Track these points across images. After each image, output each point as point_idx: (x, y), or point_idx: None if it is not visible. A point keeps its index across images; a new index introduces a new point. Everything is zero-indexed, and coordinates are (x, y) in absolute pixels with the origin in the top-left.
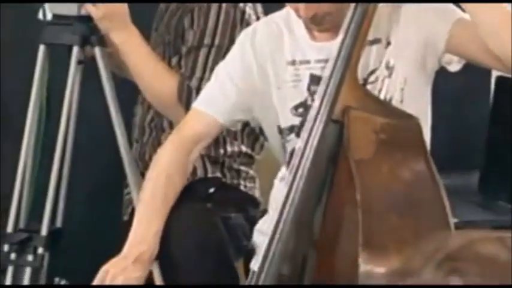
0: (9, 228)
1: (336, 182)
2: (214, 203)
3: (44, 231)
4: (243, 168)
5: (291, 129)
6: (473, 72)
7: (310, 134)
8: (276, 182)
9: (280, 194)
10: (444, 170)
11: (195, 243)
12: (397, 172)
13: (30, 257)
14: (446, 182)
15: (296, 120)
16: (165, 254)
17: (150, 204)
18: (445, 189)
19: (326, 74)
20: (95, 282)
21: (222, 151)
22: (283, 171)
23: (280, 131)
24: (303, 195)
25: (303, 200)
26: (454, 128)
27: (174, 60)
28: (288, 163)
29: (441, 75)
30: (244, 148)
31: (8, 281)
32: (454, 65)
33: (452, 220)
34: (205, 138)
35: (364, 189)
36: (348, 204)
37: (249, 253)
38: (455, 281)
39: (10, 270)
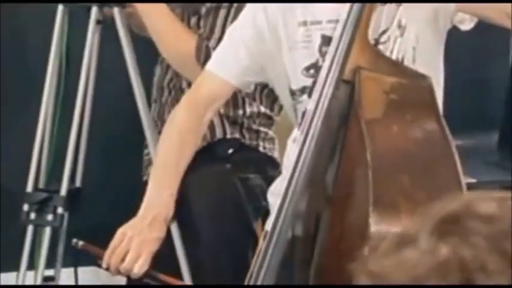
0: (29, 188)
1: (347, 142)
2: (233, 163)
3: (63, 191)
4: (262, 129)
5: (303, 90)
6: (493, 31)
7: (320, 95)
8: (289, 143)
9: (292, 154)
10: (463, 130)
11: (214, 203)
12: (409, 132)
13: (49, 217)
14: (465, 143)
15: (307, 82)
16: (183, 215)
17: (164, 165)
18: (463, 149)
19: (336, 34)
20: (112, 244)
21: (241, 112)
22: (295, 132)
23: (292, 92)
24: (314, 156)
25: (314, 160)
26: (474, 88)
27: (193, 21)
28: (300, 124)
29: (460, 35)
30: (263, 109)
31: (28, 241)
32: (466, 24)
33: (464, 180)
34: (219, 100)
35: (375, 150)
36: (359, 165)
37: (267, 214)
38: (444, 248)
39: (30, 229)
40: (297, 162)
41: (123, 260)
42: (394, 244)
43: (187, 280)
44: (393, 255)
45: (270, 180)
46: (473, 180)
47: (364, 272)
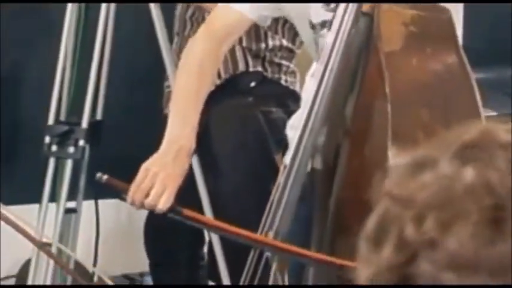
0: (50, 121)
1: (366, 75)
2: (255, 97)
3: (84, 123)
4: (284, 62)
5: (323, 24)
6: None
7: (340, 28)
8: (307, 77)
9: (310, 88)
10: (484, 63)
11: (236, 136)
12: (428, 65)
13: (71, 149)
14: (486, 76)
15: (328, 15)
16: (205, 148)
17: (185, 97)
18: (484, 82)
19: None
20: (136, 180)
21: (263, 45)
22: (314, 66)
23: (312, 26)
24: (333, 88)
25: (333, 93)
26: (494, 22)
27: None
28: (319, 58)
29: None
30: (285, 42)
31: (50, 173)
32: None
33: (485, 113)
34: (235, 33)
35: (394, 82)
36: (378, 98)
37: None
38: (469, 171)
39: (52, 162)
40: (315, 95)
41: (147, 195)
42: (413, 168)
43: (209, 214)
44: (414, 179)
45: (291, 114)
46: (494, 113)
47: (387, 196)
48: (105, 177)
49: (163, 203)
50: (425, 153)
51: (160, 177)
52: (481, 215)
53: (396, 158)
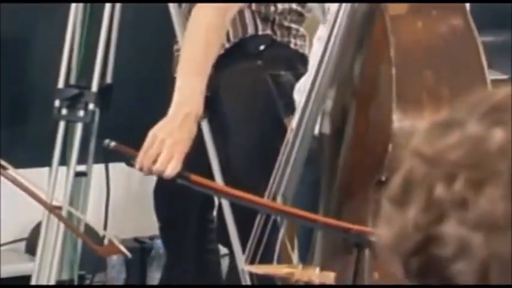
0: (60, 84)
1: (372, 39)
2: (264, 60)
3: (94, 87)
4: (293, 25)
5: None
6: None
7: None
8: (315, 40)
9: (317, 52)
10: (493, 26)
11: (245, 100)
12: (433, 28)
13: (81, 113)
14: (495, 39)
15: None
16: (215, 112)
17: (192, 62)
18: (494, 46)
19: None
20: (144, 146)
21: (272, 8)
22: (321, 30)
23: None
24: (339, 51)
25: (339, 57)
26: None
27: None
28: (326, 21)
29: None
30: (294, 5)
31: (60, 137)
32: None
33: (495, 76)
34: None
35: (399, 46)
36: (383, 61)
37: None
38: (498, 133)
39: (62, 125)
40: (321, 58)
41: (155, 161)
42: (440, 128)
43: (218, 179)
44: (441, 139)
45: (300, 77)
46: (504, 77)
47: (414, 155)
48: (112, 143)
49: (171, 169)
50: (451, 115)
51: (167, 143)
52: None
53: (401, 122)
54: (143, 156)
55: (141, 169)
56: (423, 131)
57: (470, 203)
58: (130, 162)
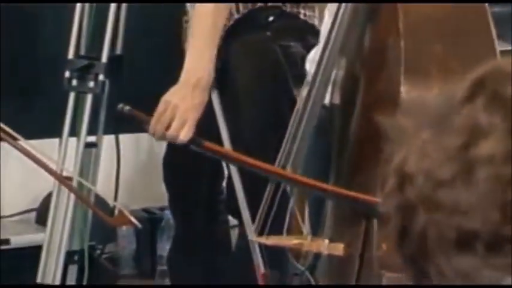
0: (70, 55)
1: (381, 12)
2: (274, 31)
3: (104, 57)
4: None
5: None
6: None
7: None
8: (326, 12)
9: (328, 23)
10: None
11: (254, 70)
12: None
13: (91, 84)
14: (502, 9)
15: None
16: (224, 83)
17: (201, 32)
18: (500, 16)
19: None
20: (157, 112)
21: None
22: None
23: None
24: (348, 23)
25: (348, 28)
26: None
27: None
28: None
29: None
30: None
31: (70, 108)
32: None
33: (502, 47)
34: None
35: (407, 17)
36: (392, 34)
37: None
38: (477, 103)
39: (72, 96)
40: (331, 29)
41: (168, 127)
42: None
43: (228, 147)
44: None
45: (310, 48)
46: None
47: (395, 128)
48: (127, 107)
49: (184, 135)
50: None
51: (180, 109)
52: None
53: (409, 93)
54: (156, 122)
55: (153, 135)
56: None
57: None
58: (144, 127)
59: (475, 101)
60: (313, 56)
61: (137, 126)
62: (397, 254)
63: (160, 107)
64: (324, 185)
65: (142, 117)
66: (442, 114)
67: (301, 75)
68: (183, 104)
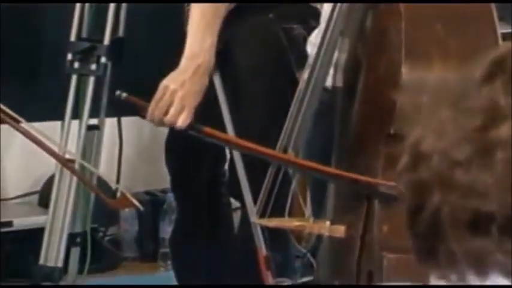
0: (73, 37)
1: None
2: (276, 13)
3: (106, 40)
4: None
5: None
6: None
7: None
8: None
9: (329, 5)
10: None
11: (257, 54)
12: None
13: (93, 66)
14: None
15: None
16: (226, 65)
17: (201, 17)
18: None
19: None
20: (155, 97)
21: None
22: None
23: None
24: (349, 5)
25: (350, 9)
26: None
27: None
28: None
29: None
30: None
31: (72, 90)
32: None
33: (502, 29)
34: None
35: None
36: (393, 15)
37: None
38: (495, 84)
39: (74, 79)
40: (332, 11)
41: (166, 113)
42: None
43: (231, 132)
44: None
45: (311, 31)
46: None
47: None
48: (124, 94)
49: (183, 121)
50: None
51: (179, 94)
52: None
53: (410, 74)
54: (154, 108)
55: (152, 120)
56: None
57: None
58: (141, 114)
59: (493, 82)
60: (315, 38)
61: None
62: (407, 232)
63: (159, 92)
64: (325, 168)
65: (140, 104)
66: (461, 94)
67: (303, 58)
68: (181, 90)
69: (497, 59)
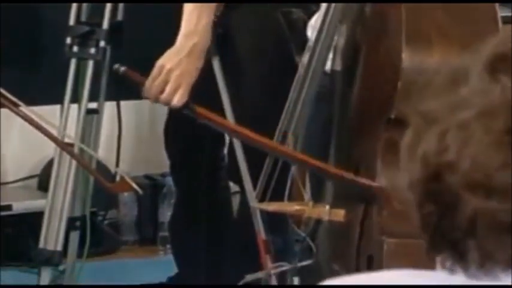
0: (71, 22)
1: None
2: None
3: (105, 24)
4: None
5: None
6: None
7: None
8: None
9: None
10: None
11: (256, 36)
12: None
13: (92, 50)
14: None
15: None
16: (226, 48)
17: None
18: None
19: None
20: (151, 75)
21: None
22: None
23: None
24: None
25: None
26: None
27: None
28: None
29: None
30: None
31: (71, 74)
32: None
33: (502, 13)
34: None
35: None
36: (394, 5)
37: None
38: (497, 88)
39: (73, 62)
40: None
41: (162, 91)
42: (447, 82)
43: (230, 117)
44: (446, 95)
45: (312, 15)
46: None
47: (416, 113)
48: (122, 68)
49: (178, 99)
50: (458, 66)
51: (174, 73)
52: (493, 138)
53: (410, 60)
54: (150, 85)
55: (148, 97)
56: (435, 84)
57: (456, 165)
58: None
59: (501, 78)
60: (315, 22)
61: (138, 92)
62: (426, 237)
63: (155, 70)
64: (324, 165)
65: (137, 79)
66: (470, 95)
67: (303, 42)
68: (177, 69)
69: (498, 53)
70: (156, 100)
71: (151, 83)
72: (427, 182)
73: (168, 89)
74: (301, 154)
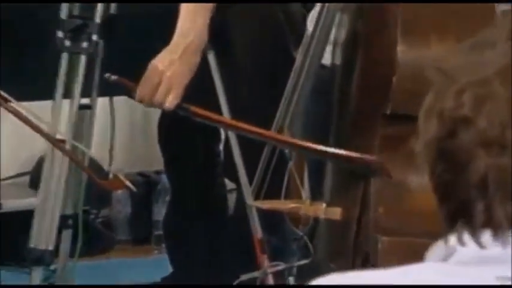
0: (63, 15)
1: None
2: None
3: (97, 18)
4: None
5: None
6: None
7: None
8: None
9: None
10: None
11: (254, 30)
12: None
13: (84, 44)
14: None
15: None
16: (222, 43)
17: None
18: None
19: None
20: (144, 78)
21: None
22: None
23: None
24: None
25: None
26: None
27: None
28: None
29: None
30: None
31: (63, 69)
32: None
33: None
34: None
35: None
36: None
37: None
38: None
39: (65, 57)
40: None
41: (155, 94)
42: (473, 46)
43: (226, 112)
44: (471, 56)
45: (311, 8)
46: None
47: (438, 72)
48: (113, 77)
49: (171, 101)
50: (486, 35)
51: (167, 75)
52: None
53: (406, 54)
54: (143, 89)
55: (141, 101)
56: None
57: (472, 121)
58: (132, 95)
59: None
60: (314, 16)
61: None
62: (439, 199)
63: (147, 72)
64: (323, 148)
65: (129, 85)
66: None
67: (301, 35)
68: (170, 70)
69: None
70: (149, 104)
71: (143, 86)
72: (442, 139)
73: (159, 91)
74: (300, 141)
